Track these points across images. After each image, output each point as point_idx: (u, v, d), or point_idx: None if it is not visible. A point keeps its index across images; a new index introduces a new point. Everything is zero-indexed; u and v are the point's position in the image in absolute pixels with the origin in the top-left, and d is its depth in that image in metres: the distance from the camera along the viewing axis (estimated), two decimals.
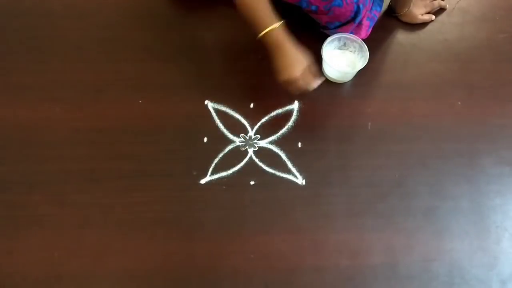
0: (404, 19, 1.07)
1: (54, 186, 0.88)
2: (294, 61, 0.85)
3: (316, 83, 0.89)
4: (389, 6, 1.08)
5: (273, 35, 0.83)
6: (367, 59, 0.95)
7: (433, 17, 1.09)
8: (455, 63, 1.04)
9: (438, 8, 1.10)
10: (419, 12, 1.07)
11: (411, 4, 1.04)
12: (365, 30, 1.01)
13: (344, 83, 1.01)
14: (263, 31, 0.82)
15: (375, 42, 1.05)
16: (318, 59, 0.98)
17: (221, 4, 1.08)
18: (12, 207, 0.87)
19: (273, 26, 0.82)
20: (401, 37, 1.07)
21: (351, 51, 1.01)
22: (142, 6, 1.09)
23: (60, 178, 0.89)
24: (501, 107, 1.00)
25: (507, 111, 0.99)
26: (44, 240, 0.84)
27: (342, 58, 1.01)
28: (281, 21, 0.83)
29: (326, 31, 1.02)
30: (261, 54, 0.99)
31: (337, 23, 0.98)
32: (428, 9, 1.08)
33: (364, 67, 0.95)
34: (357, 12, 0.95)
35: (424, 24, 1.09)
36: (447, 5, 1.11)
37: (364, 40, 0.98)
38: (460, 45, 1.07)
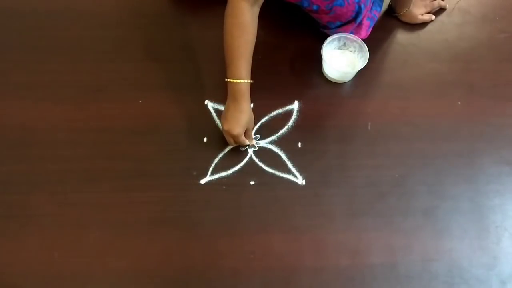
0: (404, 19, 1.07)
1: (54, 186, 0.88)
2: (242, 119, 0.86)
3: (253, 141, 0.93)
4: (389, 6, 1.08)
5: (238, 86, 0.84)
6: (367, 59, 0.95)
7: (433, 17, 1.09)
8: (455, 63, 1.04)
9: (438, 8, 1.10)
10: (419, 12, 1.07)
11: (411, 4, 1.04)
12: (365, 30, 1.01)
13: (344, 83, 1.01)
14: (233, 77, 0.84)
15: (375, 42, 1.05)
16: (318, 59, 0.99)
17: (221, 4, 1.08)
18: (12, 207, 0.87)
19: (243, 81, 0.84)
20: (401, 37, 1.07)
21: (351, 51, 1.01)
22: (142, 6, 1.09)
23: (60, 178, 0.89)
24: (501, 107, 1.00)
25: (507, 111, 0.99)
26: (44, 240, 0.84)
27: (342, 58, 1.01)
28: (250, 80, 0.85)
29: (326, 31, 1.02)
30: (261, 54, 0.99)
31: (338, 23, 0.98)
32: (428, 9, 1.08)
33: (364, 67, 0.95)
34: (358, 12, 0.96)
35: (424, 24, 1.09)
36: (447, 5, 1.11)
37: (364, 40, 0.98)
38: (460, 45, 1.07)
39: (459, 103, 0.99)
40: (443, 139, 0.95)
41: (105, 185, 0.89)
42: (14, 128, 0.94)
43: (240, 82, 0.84)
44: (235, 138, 0.88)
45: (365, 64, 0.95)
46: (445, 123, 0.97)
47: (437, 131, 0.96)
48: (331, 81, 1.01)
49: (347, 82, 1.01)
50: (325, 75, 1.01)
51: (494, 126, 0.97)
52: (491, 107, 1.00)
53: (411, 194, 0.90)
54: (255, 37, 0.85)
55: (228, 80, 0.85)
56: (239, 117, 0.86)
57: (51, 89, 0.98)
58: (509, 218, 0.88)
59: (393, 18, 1.09)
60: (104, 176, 0.89)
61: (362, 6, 0.95)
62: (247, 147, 0.93)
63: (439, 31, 1.08)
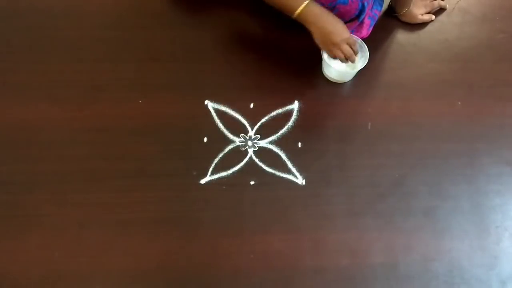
0: (404, 19, 1.07)
1: (54, 186, 0.88)
2: (340, 23, 0.88)
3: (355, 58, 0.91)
4: (389, 6, 1.08)
5: (308, 10, 0.85)
6: (367, 59, 0.95)
7: (433, 17, 1.09)
8: (455, 63, 1.04)
9: (438, 8, 1.10)
10: (419, 12, 1.07)
11: (411, 4, 1.04)
12: (366, 29, 1.01)
13: (344, 83, 1.01)
14: (296, 10, 0.85)
15: (375, 42, 1.05)
16: (318, 59, 0.99)
17: (221, 4, 1.08)
18: (12, 207, 0.87)
19: (305, 3, 0.85)
20: (401, 37, 1.07)
21: None
22: (142, 6, 1.09)
23: (60, 178, 0.89)
24: (501, 107, 1.00)
25: (507, 111, 0.99)
26: (44, 240, 0.84)
27: None
28: None
29: None
30: (261, 54, 0.99)
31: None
32: (428, 9, 1.08)
33: (364, 67, 0.95)
34: (361, 10, 0.96)
35: (424, 24, 1.09)
36: (447, 5, 1.11)
37: (364, 39, 0.98)
38: (460, 45, 1.07)
39: (459, 103, 0.99)
40: (443, 139, 0.95)
41: (105, 185, 0.89)
42: (14, 128, 0.94)
43: (306, 5, 0.84)
44: (351, 43, 0.88)
45: (365, 64, 0.95)
46: (445, 123, 0.97)
47: (437, 131, 0.96)
48: (331, 81, 1.01)
49: (347, 82, 1.01)
50: (325, 75, 1.01)
51: (494, 126, 0.97)
52: (491, 107, 1.00)
53: (411, 194, 0.90)
54: None
55: (296, 13, 0.85)
56: (337, 24, 0.87)
57: (51, 89, 0.98)
58: (509, 218, 0.88)
59: (393, 18, 1.09)
60: (104, 176, 0.89)
61: (366, 4, 0.95)
62: (247, 147, 0.93)
63: (439, 31, 1.08)
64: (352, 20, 0.98)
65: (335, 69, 0.96)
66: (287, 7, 0.87)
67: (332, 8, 0.93)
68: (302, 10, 0.85)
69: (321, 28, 0.88)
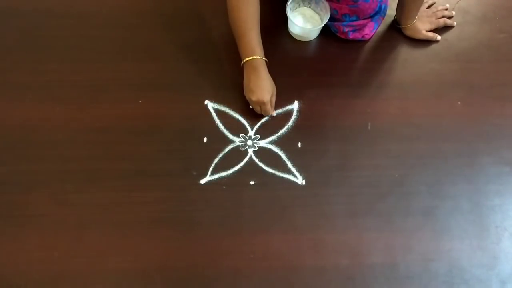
0: (408, 33, 1.05)
1: (54, 186, 0.88)
2: (266, 86, 0.91)
3: (274, 112, 0.96)
4: (394, 19, 1.07)
5: (254, 61, 0.89)
6: (329, 14, 0.97)
7: (439, 37, 1.05)
8: (455, 63, 1.04)
9: (444, 26, 1.07)
10: (423, 27, 1.04)
11: (416, 18, 1.02)
12: (369, 30, 1.01)
13: (343, 82, 1.01)
14: (247, 55, 0.89)
15: (375, 42, 1.05)
16: (318, 59, 0.98)
17: (222, 4, 1.08)
18: (12, 207, 0.87)
19: (258, 57, 0.89)
20: (401, 37, 1.07)
21: (307, 6, 1.04)
22: (142, 6, 1.09)
23: (60, 178, 0.89)
24: (501, 107, 1.00)
25: (507, 111, 0.99)
26: (44, 240, 0.84)
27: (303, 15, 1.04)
28: (263, 57, 0.90)
29: (336, 24, 1.01)
30: None
31: (355, 17, 0.98)
32: (433, 26, 1.05)
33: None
34: (377, 12, 0.96)
35: None
36: (455, 23, 1.07)
37: (365, 40, 0.98)
38: (460, 45, 1.07)
39: (459, 103, 0.99)
40: (443, 139, 0.95)
41: (105, 185, 0.89)
42: (14, 128, 0.94)
43: (256, 59, 0.89)
44: (264, 106, 0.91)
45: (327, 20, 0.97)
46: (445, 123, 0.97)
47: (437, 131, 0.96)
48: (331, 81, 1.01)
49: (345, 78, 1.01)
50: (290, 33, 1.04)
51: (494, 126, 0.97)
52: (491, 107, 1.00)
53: (411, 194, 0.90)
54: (259, 9, 0.89)
55: (245, 60, 0.89)
56: (264, 85, 0.91)
57: (51, 89, 0.98)
58: (509, 218, 0.88)
59: (394, 18, 1.09)
60: (104, 176, 0.89)
61: (383, 6, 0.97)
62: (247, 147, 0.93)
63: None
64: (365, 18, 0.98)
65: (299, 27, 0.97)
66: (240, 51, 0.91)
67: (353, 2, 0.94)
68: (247, 61, 0.89)
69: (248, 80, 0.91)
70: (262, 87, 0.90)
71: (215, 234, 0.85)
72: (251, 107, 0.95)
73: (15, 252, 0.83)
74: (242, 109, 0.97)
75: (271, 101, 0.93)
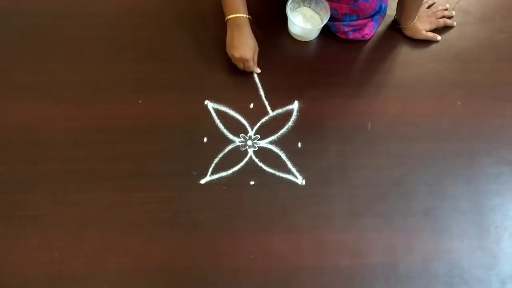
0: (408, 33, 1.05)
1: (54, 186, 0.88)
2: (249, 43, 0.94)
3: (257, 69, 0.99)
4: (394, 19, 1.07)
5: (238, 19, 0.93)
6: (329, 15, 0.97)
7: (439, 37, 1.05)
8: (455, 63, 1.04)
9: (444, 26, 1.07)
10: (423, 27, 1.04)
11: (416, 18, 1.02)
12: (369, 30, 1.01)
13: (343, 82, 1.01)
14: (231, 13, 0.92)
15: (375, 42, 1.05)
16: (318, 59, 0.98)
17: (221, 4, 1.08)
18: (12, 207, 0.87)
19: (241, 15, 0.92)
20: (401, 37, 1.07)
21: (307, 6, 1.04)
22: (142, 6, 1.09)
23: (60, 178, 0.89)
24: (501, 107, 1.00)
25: (507, 111, 0.99)
26: (44, 240, 0.84)
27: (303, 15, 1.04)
28: (248, 15, 0.94)
29: (336, 23, 1.01)
30: (261, 54, 0.99)
31: (355, 17, 0.98)
32: (433, 26, 1.05)
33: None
34: (377, 11, 0.96)
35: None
36: (455, 23, 1.07)
37: (366, 40, 0.98)
38: (460, 45, 1.07)
39: (459, 103, 0.99)
40: (443, 139, 0.95)
41: (105, 185, 0.89)
42: (14, 128, 0.94)
43: (239, 16, 0.92)
44: (247, 62, 0.94)
45: (327, 20, 0.97)
46: (445, 123, 0.97)
47: (437, 131, 0.96)
48: (331, 81, 1.01)
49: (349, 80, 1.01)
50: (290, 33, 1.04)
51: (494, 126, 0.97)
52: (491, 107, 1.00)
53: (411, 194, 0.90)
54: None
55: (228, 17, 0.92)
56: (247, 42, 0.94)
57: (51, 89, 0.98)
58: (509, 218, 0.88)
59: (394, 18, 1.09)
60: (104, 176, 0.89)
61: (384, 6, 0.97)
62: (247, 147, 0.93)
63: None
64: (365, 18, 0.98)
65: (299, 27, 0.97)
66: (226, 7, 0.94)
67: (353, 2, 0.94)
68: (230, 18, 0.93)
69: (231, 37, 0.94)
70: (244, 44, 0.93)
71: (215, 234, 0.85)
72: (234, 63, 0.97)
73: (15, 252, 0.83)
74: (242, 109, 0.97)
75: (253, 58, 0.96)
